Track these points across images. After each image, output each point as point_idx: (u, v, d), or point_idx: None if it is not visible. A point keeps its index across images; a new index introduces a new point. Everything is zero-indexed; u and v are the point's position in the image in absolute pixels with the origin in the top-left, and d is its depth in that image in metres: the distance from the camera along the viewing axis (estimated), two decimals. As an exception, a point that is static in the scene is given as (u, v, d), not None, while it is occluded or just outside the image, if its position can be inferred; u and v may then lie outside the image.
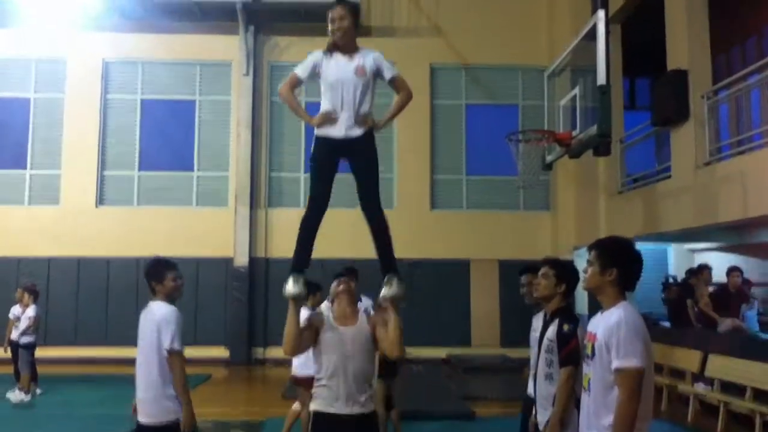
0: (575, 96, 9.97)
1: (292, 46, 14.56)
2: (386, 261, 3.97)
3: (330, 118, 3.94)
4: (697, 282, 9.46)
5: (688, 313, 9.43)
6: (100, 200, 14.54)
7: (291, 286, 3.79)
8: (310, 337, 3.82)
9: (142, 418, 4.31)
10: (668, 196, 10.02)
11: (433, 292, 13.83)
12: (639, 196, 11.13)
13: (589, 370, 3.11)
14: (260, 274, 14.02)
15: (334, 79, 3.98)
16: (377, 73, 4.08)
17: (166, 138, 14.89)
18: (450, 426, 8.14)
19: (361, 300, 6.20)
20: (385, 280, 3.89)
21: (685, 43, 9.79)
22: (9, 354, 9.90)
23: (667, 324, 10.37)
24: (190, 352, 14.37)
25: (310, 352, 3.93)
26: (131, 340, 15.07)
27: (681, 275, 10.79)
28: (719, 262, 10.72)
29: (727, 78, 9.62)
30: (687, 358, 8.82)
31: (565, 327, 3.99)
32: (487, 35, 14.83)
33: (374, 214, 3.99)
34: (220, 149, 14.81)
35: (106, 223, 14.24)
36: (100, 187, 14.57)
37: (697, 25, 9.73)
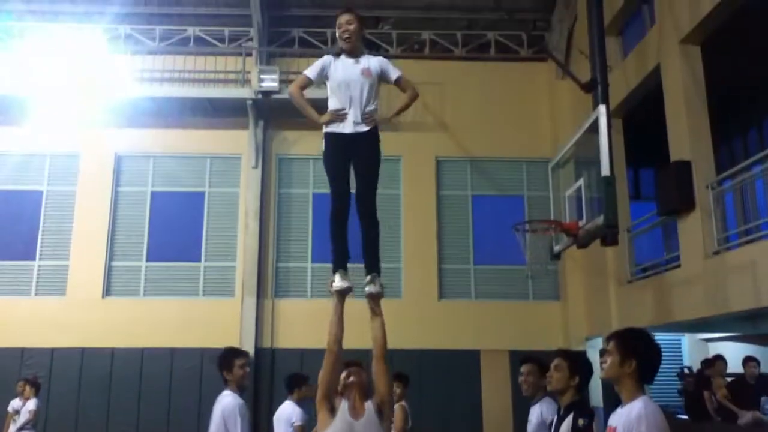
0: (580, 187, 10.08)
1: (300, 139, 14.91)
2: (371, 260, 4.22)
3: (338, 116, 4.18)
4: (712, 374, 9.24)
5: (705, 405, 9.15)
6: (107, 291, 14.52)
7: (339, 281, 4.06)
8: (338, 368, 4.02)
9: None
10: (678, 286, 9.93)
11: (442, 384, 13.51)
12: (649, 286, 11.04)
13: None
14: (266, 364, 13.78)
15: (342, 78, 4.29)
16: (382, 76, 4.37)
17: (175, 229, 15.01)
18: None
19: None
20: (369, 279, 4.15)
21: (687, 134, 9.98)
22: None
23: (684, 416, 10.06)
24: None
25: None
26: (132, 427, 14.58)
27: (696, 365, 10.55)
28: (734, 352, 10.51)
29: (731, 168, 9.74)
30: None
31: (581, 422, 3.90)
32: (491, 130, 15.15)
33: (368, 211, 4.22)
34: (228, 240, 14.90)
35: (112, 314, 14.14)
36: (107, 278, 14.58)
37: (696, 118, 9.95)
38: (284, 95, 13.96)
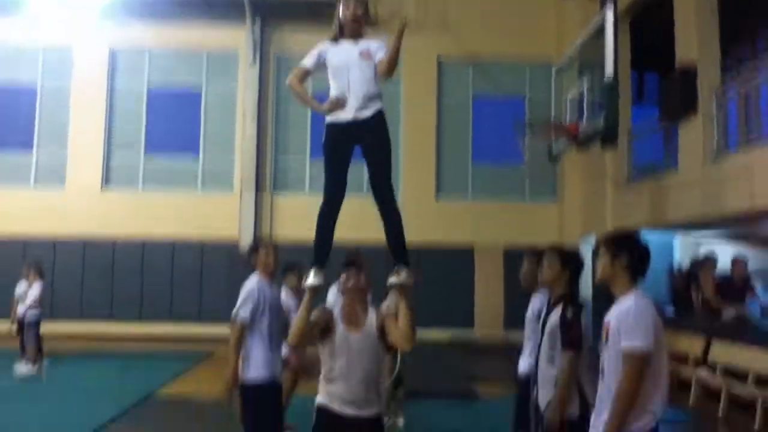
0: (583, 89, 9.96)
1: (298, 38, 14.48)
2: (396, 250, 3.91)
3: (339, 104, 3.95)
4: (702, 272, 9.50)
5: (692, 302, 9.47)
6: (106, 182, 14.61)
7: (312, 278, 3.75)
8: (315, 334, 3.76)
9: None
10: (675, 188, 10.03)
11: (438, 278, 13.84)
12: (646, 187, 11.14)
13: (603, 356, 3.19)
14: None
15: (339, 63, 4.00)
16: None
17: (173, 123, 14.93)
18: (454, 405, 8.23)
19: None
20: (395, 269, 3.82)
21: (694, 38, 9.77)
22: (16, 329, 10.05)
23: (671, 310, 10.45)
24: (195, 329, 14.47)
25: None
26: (135, 315, 15.13)
27: (687, 265, 10.83)
28: (725, 253, 10.74)
29: (737, 72, 9.60)
30: (690, 344, 8.91)
31: (569, 312, 4.03)
32: (495, 29, 14.79)
33: (385, 199, 3.95)
34: (226, 135, 14.85)
35: (112, 206, 14.31)
36: (106, 169, 14.63)
37: (705, 21, 9.72)
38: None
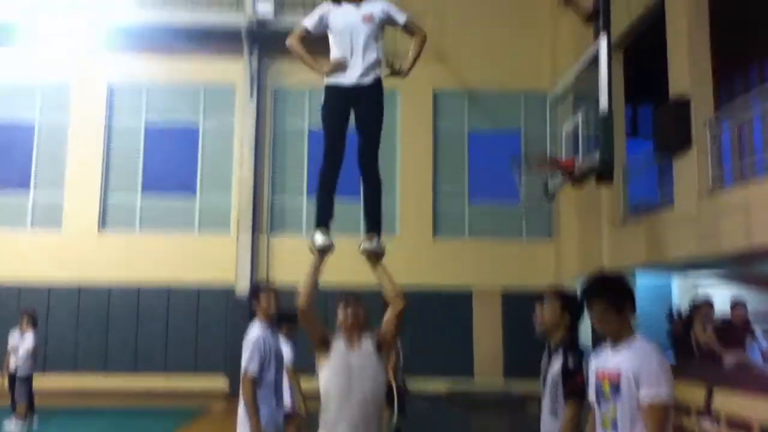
0: (578, 122, 9.98)
1: (296, 71, 14.58)
2: (371, 218, 4.08)
3: (341, 66, 4.01)
4: (696, 317, 9.38)
5: (692, 347, 9.31)
6: (103, 224, 14.52)
7: (320, 238, 3.93)
8: (319, 320, 3.89)
9: None
10: (671, 225, 9.96)
11: (435, 321, 13.69)
12: (642, 225, 11.07)
13: (608, 408, 3.06)
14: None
15: (342, 26, 4.09)
16: (388, 21, 4.17)
17: (170, 161, 14.90)
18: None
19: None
20: (366, 236, 4.00)
21: (687, 70, 9.81)
22: (6, 384, 9.81)
23: (670, 355, 10.25)
24: (189, 381, 14.14)
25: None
26: (130, 367, 14.87)
27: (686, 309, 10.70)
28: (723, 295, 10.63)
29: (730, 107, 9.63)
30: (692, 393, 8.69)
31: (571, 360, 3.92)
32: (490, 60, 14.89)
33: (369, 167, 4.08)
34: (223, 172, 14.82)
35: (108, 249, 14.19)
36: (103, 212, 14.55)
37: (698, 53, 9.76)
38: (279, 23, 13.67)
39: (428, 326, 13.43)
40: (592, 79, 9.02)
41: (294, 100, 14.96)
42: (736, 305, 9.12)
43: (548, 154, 11.06)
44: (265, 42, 14.54)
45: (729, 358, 8.69)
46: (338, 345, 3.83)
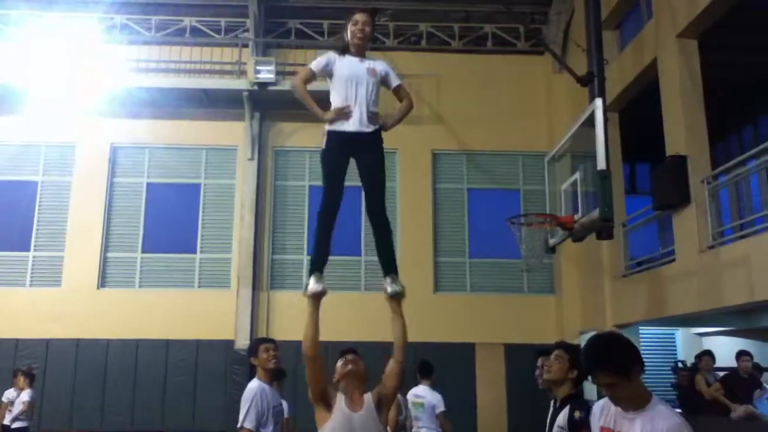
0: (576, 180, 10.09)
1: (296, 132, 14.88)
2: (388, 261, 4.24)
3: (344, 113, 4.09)
4: (698, 371, 9.31)
5: (698, 399, 9.21)
6: (102, 282, 14.48)
7: (313, 284, 3.91)
8: (324, 369, 3.90)
9: None
10: (673, 280, 9.97)
11: (438, 381, 13.48)
12: (644, 280, 11.08)
13: None
14: (261, 357, 13.74)
15: (347, 74, 4.21)
16: (384, 80, 4.31)
17: (171, 220, 14.96)
18: None
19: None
20: (389, 279, 4.15)
21: (683, 129, 10.00)
22: None
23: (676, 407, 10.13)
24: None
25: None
26: (126, 423, 14.63)
27: (690, 359, 10.61)
28: (728, 347, 10.57)
29: (726, 163, 9.78)
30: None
31: (576, 414, 3.91)
32: (488, 123, 15.11)
33: (379, 213, 4.16)
34: (224, 231, 14.88)
35: (107, 305, 14.09)
36: (103, 269, 14.53)
37: (693, 112, 9.98)
38: (280, 87, 13.96)
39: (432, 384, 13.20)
40: (589, 139, 9.16)
41: (294, 159, 15.16)
42: (742, 356, 9.08)
43: (547, 211, 11.13)
44: (266, 104, 14.83)
45: (737, 411, 8.59)
46: (340, 404, 3.77)
